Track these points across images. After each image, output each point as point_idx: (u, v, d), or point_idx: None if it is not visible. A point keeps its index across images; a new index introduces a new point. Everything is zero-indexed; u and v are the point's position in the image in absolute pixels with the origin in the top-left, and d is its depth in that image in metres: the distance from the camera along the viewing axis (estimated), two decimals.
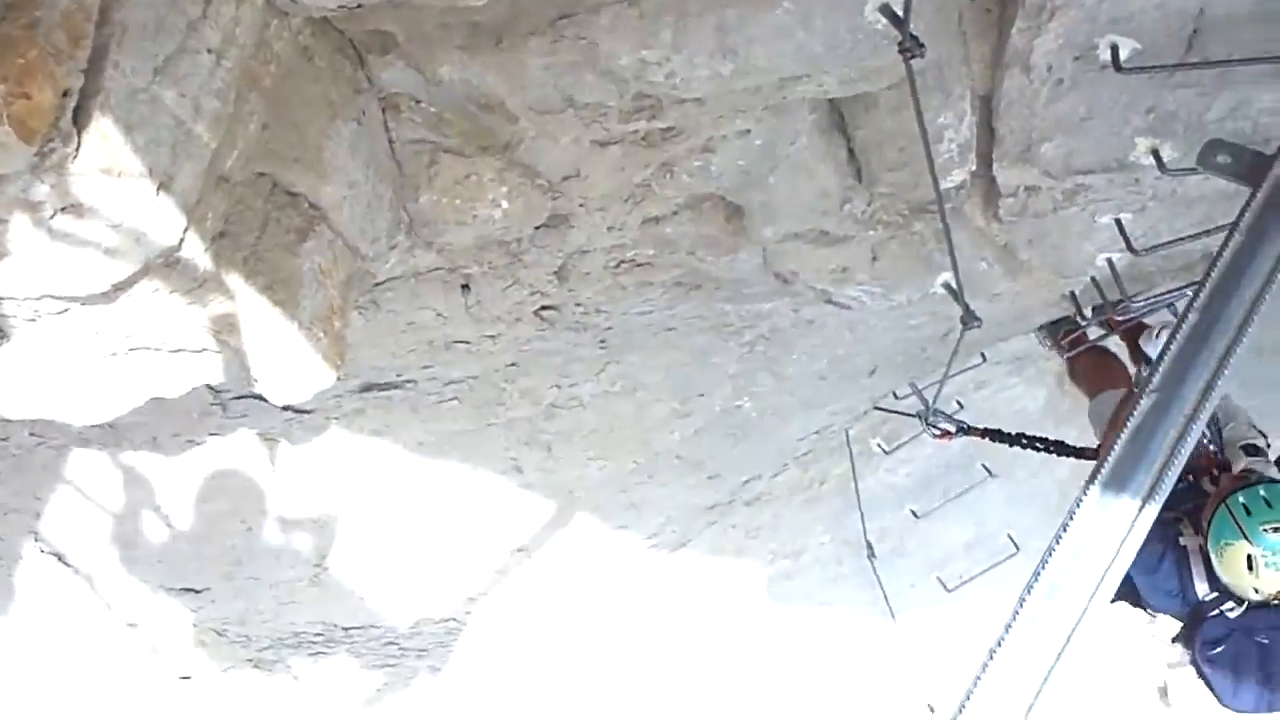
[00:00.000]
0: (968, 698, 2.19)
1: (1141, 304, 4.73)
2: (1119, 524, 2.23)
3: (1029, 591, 2.20)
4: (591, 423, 4.79)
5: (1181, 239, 4.22)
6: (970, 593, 8.70)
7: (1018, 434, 5.74)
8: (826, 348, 4.72)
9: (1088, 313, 4.86)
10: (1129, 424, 2.29)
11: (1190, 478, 5.18)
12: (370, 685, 6.43)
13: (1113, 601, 5.59)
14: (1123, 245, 4.09)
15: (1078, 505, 2.23)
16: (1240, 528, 4.51)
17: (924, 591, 9.00)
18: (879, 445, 6.96)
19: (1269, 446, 5.46)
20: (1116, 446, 2.29)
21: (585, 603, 6.73)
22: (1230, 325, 2.33)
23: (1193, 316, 2.37)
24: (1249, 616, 4.71)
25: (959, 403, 6.51)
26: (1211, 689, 4.91)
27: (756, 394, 4.91)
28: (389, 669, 6.39)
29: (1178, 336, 2.34)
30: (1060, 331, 5.78)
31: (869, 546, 8.45)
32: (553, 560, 5.68)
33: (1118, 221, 4.08)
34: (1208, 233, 4.27)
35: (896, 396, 5.89)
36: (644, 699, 8.79)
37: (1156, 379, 2.33)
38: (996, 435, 5.71)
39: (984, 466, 7.01)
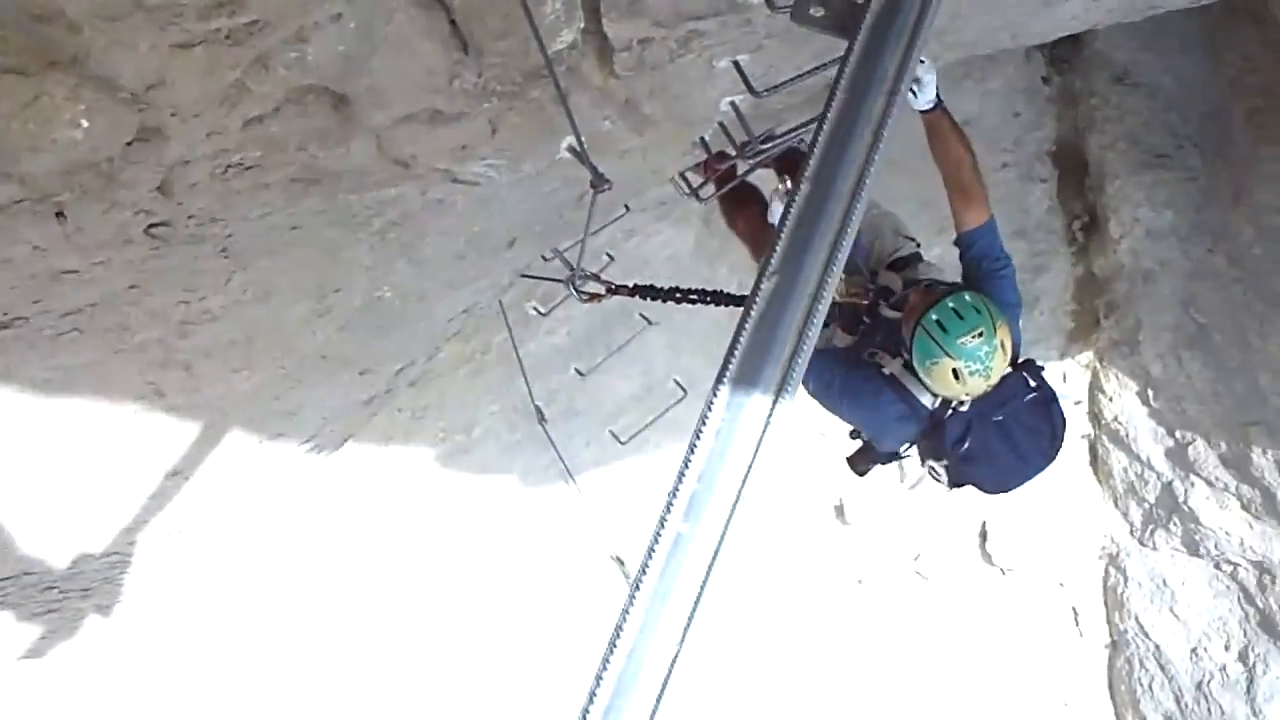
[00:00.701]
0: (618, 634, 2.09)
1: (775, 140, 4.77)
2: (753, 424, 2.12)
3: (669, 510, 2.08)
4: (228, 334, 4.53)
5: (800, 75, 4.24)
6: (645, 441, 8.81)
7: (669, 288, 5.76)
8: (461, 227, 4.58)
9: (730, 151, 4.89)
10: (751, 314, 2.19)
11: (866, 319, 5.36)
12: (31, 636, 6.08)
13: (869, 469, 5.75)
14: (744, 88, 4.07)
15: (708, 409, 2.12)
16: (940, 345, 4.73)
17: (599, 447, 9.10)
18: (535, 309, 6.91)
19: (920, 246, 5.68)
20: (742, 340, 2.17)
21: (252, 515, 6.50)
22: (844, 190, 2.24)
23: (805, 187, 2.26)
24: (977, 404, 4.98)
25: (609, 254, 6.50)
26: (976, 484, 5.17)
27: (396, 283, 4.74)
28: (51, 615, 6.05)
29: (792, 210, 2.24)
30: (704, 168, 5.76)
31: (538, 411, 8.45)
32: (211, 479, 5.43)
33: (736, 64, 4.06)
34: (825, 66, 4.32)
35: (545, 259, 5.81)
36: (328, 599, 8.66)
37: (774, 260, 2.21)
38: (646, 291, 5.73)
39: (642, 315, 7.03)
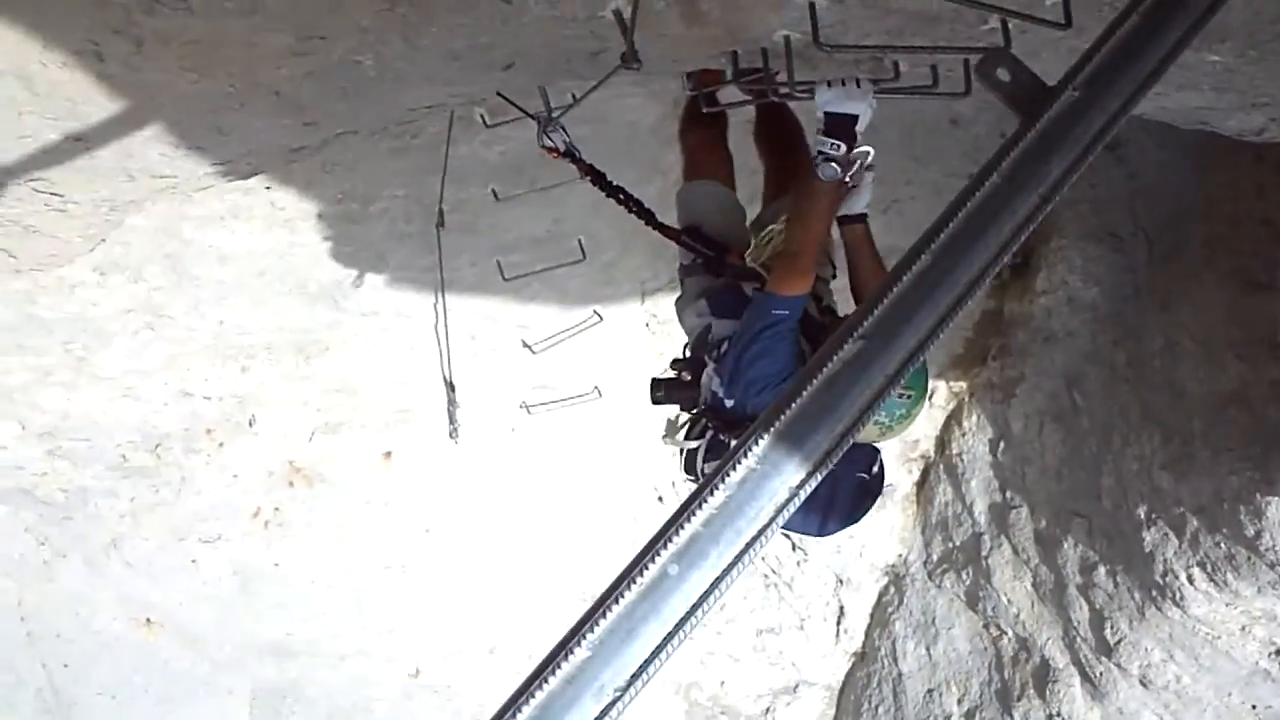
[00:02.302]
0: (565, 655, 1.80)
1: (795, 87, 4.58)
2: (782, 486, 1.88)
3: (665, 545, 1.82)
4: (196, 32, 4.22)
5: (864, 46, 4.08)
6: (525, 285, 8.69)
7: (617, 187, 5.64)
8: (471, 30, 4.33)
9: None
10: (822, 371, 1.94)
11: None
12: None
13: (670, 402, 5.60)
14: (808, 29, 3.87)
15: (743, 454, 1.87)
16: None
17: (481, 272, 8.96)
18: (482, 116, 6.61)
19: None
20: (803, 395, 1.92)
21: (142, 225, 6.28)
22: (961, 279, 2.04)
23: (925, 259, 2.03)
24: None
25: (574, 95, 6.27)
26: None
27: (382, 55, 4.46)
28: None
29: (902, 279, 2.01)
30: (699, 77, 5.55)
31: (440, 214, 8.25)
32: (112, 162, 5.14)
33: (812, 5, 3.85)
34: (889, 49, 4.16)
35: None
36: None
37: (867, 324, 1.98)
38: (597, 178, 5.58)
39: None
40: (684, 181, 6.27)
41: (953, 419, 11.48)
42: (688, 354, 5.65)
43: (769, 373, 4.95)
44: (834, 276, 5.84)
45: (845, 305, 5.56)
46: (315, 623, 10.55)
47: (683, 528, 1.80)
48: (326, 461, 9.94)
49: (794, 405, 1.88)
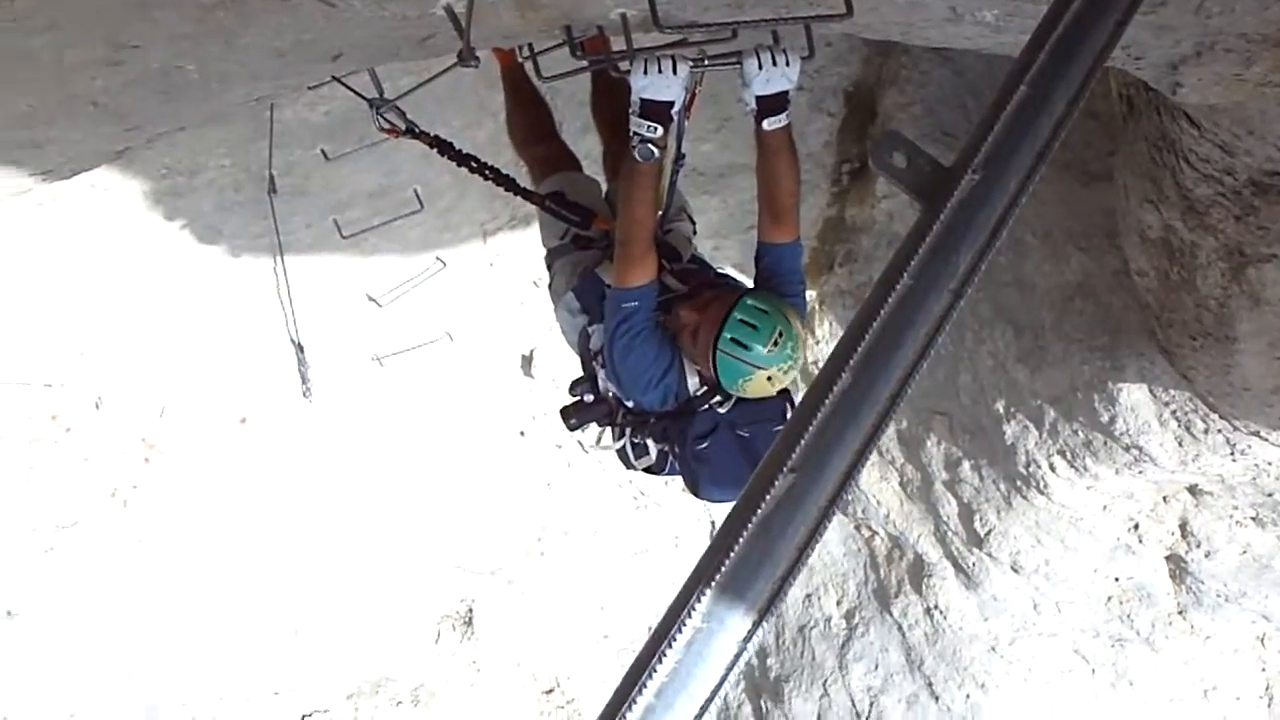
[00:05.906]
0: None
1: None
2: (730, 642, 1.74)
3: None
4: None
5: (704, 24, 4.02)
6: (363, 240, 8.56)
7: (467, 154, 5.58)
8: (294, 29, 4.14)
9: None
10: (755, 515, 1.77)
11: None
12: None
13: (584, 425, 5.53)
14: (646, 5, 3.79)
15: (687, 615, 1.73)
16: (747, 364, 4.62)
17: (318, 232, 8.80)
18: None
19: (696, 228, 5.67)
20: (739, 542, 1.76)
21: None
22: (884, 394, 1.90)
23: (845, 378, 1.88)
24: (735, 410, 4.89)
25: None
26: (694, 480, 5.02)
27: (203, 59, 4.26)
28: None
29: (825, 404, 1.85)
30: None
31: (271, 179, 8.06)
32: None
33: None
34: (731, 23, 4.10)
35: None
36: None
37: (796, 456, 1.81)
38: (445, 148, 5.46)
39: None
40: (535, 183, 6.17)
41: (806, 328, 11.55)
42: (582, 371, 5.61)
43: (644, 369, 4.91)
44: (694, 233, 5.82)
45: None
46: (187, 596, 10.37)
47: (635, 701, 1.67)
48: (180, 434, 9.70)
49: (732, 554, 1.75)
